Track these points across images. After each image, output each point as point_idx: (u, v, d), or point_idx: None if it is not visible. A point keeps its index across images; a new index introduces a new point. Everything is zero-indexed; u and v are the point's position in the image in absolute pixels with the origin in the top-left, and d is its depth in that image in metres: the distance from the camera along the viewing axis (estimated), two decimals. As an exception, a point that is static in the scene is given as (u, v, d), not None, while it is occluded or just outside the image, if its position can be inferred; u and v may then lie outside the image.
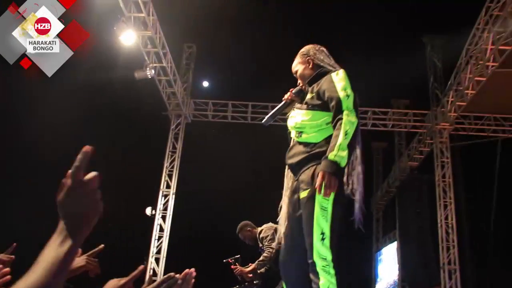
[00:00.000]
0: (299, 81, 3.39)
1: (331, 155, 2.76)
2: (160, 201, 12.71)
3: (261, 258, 5.93)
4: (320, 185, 2.72)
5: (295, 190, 3.10)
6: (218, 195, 16.74)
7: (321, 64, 3.23)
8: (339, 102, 2.88)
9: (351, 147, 2.87)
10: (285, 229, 3.07)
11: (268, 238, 5.87)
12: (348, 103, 2.89)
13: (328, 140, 2.91)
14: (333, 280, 2.71)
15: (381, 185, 19.27)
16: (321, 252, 2.73)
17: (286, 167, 3.26)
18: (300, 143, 3.14)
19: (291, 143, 3.28)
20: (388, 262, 17.62)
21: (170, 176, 12.99)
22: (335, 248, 2.80)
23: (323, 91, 3.01)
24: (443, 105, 13.02)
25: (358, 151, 3.15)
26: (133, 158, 13.68)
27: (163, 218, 12.61)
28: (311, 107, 3.09)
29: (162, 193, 12.81)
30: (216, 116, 13.94)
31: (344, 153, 2.78)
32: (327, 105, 2.98)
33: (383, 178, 19.29)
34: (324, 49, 3.37)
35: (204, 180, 16.03)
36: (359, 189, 3.15)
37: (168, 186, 12.90)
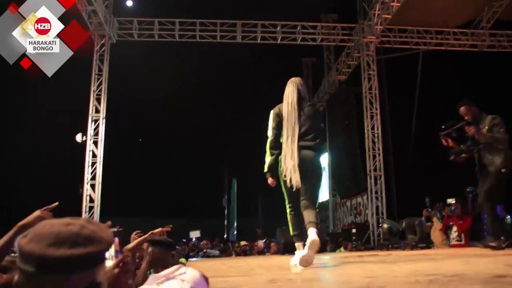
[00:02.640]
0: None
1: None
2: (90, 127, 12.32)
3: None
4: None
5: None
6: (149, 116, 16.53)
7: None
8: None
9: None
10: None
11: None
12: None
13: None
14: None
15: (311, 99, 19.78)
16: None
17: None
18: None
19: None
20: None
21: (98, 100, 12.51)
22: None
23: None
24: (370, 18, 13.24)
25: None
26: (56, 84, 12.94)
27: (95, 143, 12.31)
28: None
29: (92, 118, 12.38)
30: (142, 35, 13.31)
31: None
32: None
33: (313, 93, 19.78)
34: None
35: (134, 102, 15.67)
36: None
37: (97, 111, 12.46)
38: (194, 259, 9.17)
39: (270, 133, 4.15)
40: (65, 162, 13.38)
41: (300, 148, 3.90)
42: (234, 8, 13.53)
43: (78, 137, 12.20)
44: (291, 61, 19.54)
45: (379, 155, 12.75)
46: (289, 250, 8.21)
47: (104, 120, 12.45)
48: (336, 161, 16.23)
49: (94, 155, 12.25)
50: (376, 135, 12.86)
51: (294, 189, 3.90)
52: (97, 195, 12.01)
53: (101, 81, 12.57)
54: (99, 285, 1.01)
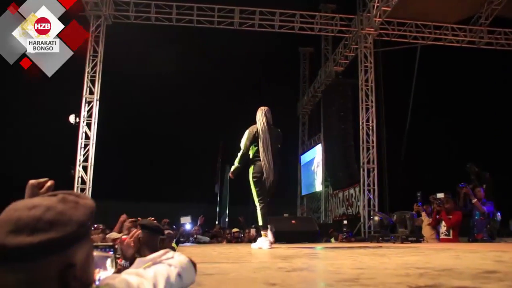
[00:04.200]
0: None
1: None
2: (84, 108, 12.22)
3: None
4: None
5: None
6: (143, 99, 16.41)
7: None
8: None
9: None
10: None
11: None
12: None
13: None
14: None
15: (307, 89, 19.75)
16: None
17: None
18: None
19: None
20: (312, 164, 18.65)
21: (92, 82, 12.40)
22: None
23: None
24: (369, 10, 13.17)
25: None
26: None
27: (88, 125, 12.23)
28: None
29: (86, 99, 12.28)
30: (138, 18, 13.16)
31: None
32: None
33: (309, 83, 19.74)
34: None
35: (129, 85, 15.54)
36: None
37: (91, 92, 12.36)
38: (184, 244, 9.17)
39: (243, 147, 5.58)
40: (58, 143, 13.27)
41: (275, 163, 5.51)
42: (233, -7, 13.41)
43: (71, 119, 12.11)
44: (288, 50, 19.47)
45: (373, 147, 12.76)
46: (280, 239, 8.25)
47: (98, 102, 12.36)
48: (330, 152, 16.23)
49: (87, 137, 12.17)
50: (370, 127, 12.86)
51: (267, 187, 5.43)
52: (89, 177, 11.96)
53: (96, 63, 12.45)
54: (73, 267, 0.95)
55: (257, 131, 5.56)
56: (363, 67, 13.22)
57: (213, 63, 16.31)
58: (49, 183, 1.57)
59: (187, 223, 11.59)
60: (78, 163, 11.97)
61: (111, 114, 13.45)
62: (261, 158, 5.45)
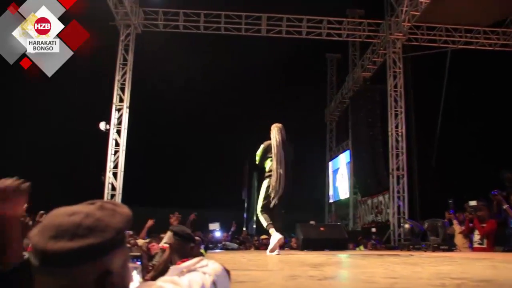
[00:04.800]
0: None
1: None
2: (114, 116, 12.45)
3: None
4: None
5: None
6: (172, 107, 16.62)
7: None
8: None
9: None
10: None
11: None
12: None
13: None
14: None
15: (334, 96, 19.62)
16: None
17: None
18: None
19: None
20: (340, 171, 18.48)
21: (122, 90, 12.62)
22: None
23: None
24: (397, 15, 13.01)
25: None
26: (82, 73, 13.11)
27: (118, 132, 12.44)
28: None
29: (116, 107, 12.51)
30: (167, 26, 13.36)
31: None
32: None
33: (337, 89, 19.60)
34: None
35: (157, 92, 15.77)
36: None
37: (121, 100, 12.58)
38: (213, 251, 9.19)
39: (258, 159, 6.12)
40: (89, 150, 13.55)
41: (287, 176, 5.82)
42: (259, 0, 13.47)
43: (102, 126, 12.34)
44: (315, 57, 19.40)
45: (402, 154, 12.55)
46: (308, 246, 8.16)
47: (127, 110, 12.57)
48: (358, 159, 16.06)
49: (117, 144, 12.38)
50: (400, 133, 12.67)
51: (276, 199, 5.71)
52: (119, 184, 12.15)
53: (126, 71, 12.68)
54: (110, 274, 0.97)
55: (270, 146, 5.94)
56: (391, 73, 13.05)
57: (240, 70, 16.40)
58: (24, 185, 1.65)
59: (216, 230, 11.63)
60: (108, 169, 12.17)
61: (140, 121, 13.66)
62: (274, 173, 5.79)
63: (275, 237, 5.52)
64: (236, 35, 13.39)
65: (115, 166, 12.26)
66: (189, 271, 1.24)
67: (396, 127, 12.73)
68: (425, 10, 11.98)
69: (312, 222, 9.57)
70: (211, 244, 10.59)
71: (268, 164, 5.96)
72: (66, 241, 0.93)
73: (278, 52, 14.60)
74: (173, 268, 1.29)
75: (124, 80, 12.65)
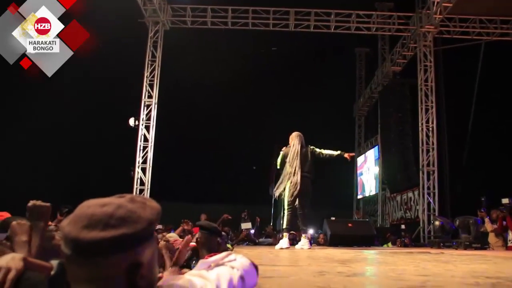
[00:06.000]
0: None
1: None
2: (143, 111, 12.61)
3: None
4: None
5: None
6: (200, 103, 16.72)
7: None
8: None
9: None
10: None
11: None
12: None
13: None
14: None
15: (363, 91, 19.36)
16: None
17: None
18: None
19: None
20: (370, 166, 18.25)
21: (151, 86, 12.77)
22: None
23: None
24: (428, 7, 12.70)
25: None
26: (112, 69, 13.33)
27: (147, 128, 12.60)
28: None
29: (144, 103, 12.67)
30: (195, 22, 13.42)
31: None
32: None
33: (365, 84, 19.34)
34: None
35: (186, 88, 15.89)
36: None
37: (150, 96, 12.73)
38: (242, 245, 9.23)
39: (278, 165, 6.99)
40: (118, 146, 13.78)
41: (302, 176, 6.57)
42: (287, -5, 13.38)
43: (131, 121, 12.52)
44: (344, 51, 19.17)
45: (433, 149, 12.29)
46: (336, 242, 8.09)
47: (156, 106, 12.71)
48: (387, 155, 15.81)
49: (145, 139, 12.55)
50: (430, 129, 12.41)
51: (294, 197, 6.53)
52: (147, 179, 12.32)
53: (154, 67, 12.82)
54: (140, 266, 0.98)
55: (286, 153, 6.82)
56: (422, 66, 12.78)
57: (268, 65, 16.36)
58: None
59: (251, 229, 11.77)
60: (137, 164, 12.35)
61: (169, 117, 13.79)
62: (290, 176, 6.65)
63: (283, 242, 6.53)
64: (264, 30, 13.35)
65: (144, 161, 12.43)
66: (217, 265, 1.24)
67: (427, 122, 12.48)
68: (458, 1, 11.65)
69: (332, 218, 9.47)
70: (249, 242, 10.61)
71: (286, 169, 6.78)
72: (99, 231, 0.94)
73: (306, 47, 14.48)
74: (201, 262, 1.29)
75: (153, 77, 12.79)
